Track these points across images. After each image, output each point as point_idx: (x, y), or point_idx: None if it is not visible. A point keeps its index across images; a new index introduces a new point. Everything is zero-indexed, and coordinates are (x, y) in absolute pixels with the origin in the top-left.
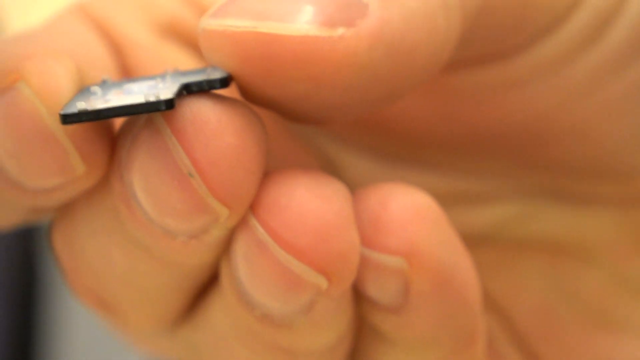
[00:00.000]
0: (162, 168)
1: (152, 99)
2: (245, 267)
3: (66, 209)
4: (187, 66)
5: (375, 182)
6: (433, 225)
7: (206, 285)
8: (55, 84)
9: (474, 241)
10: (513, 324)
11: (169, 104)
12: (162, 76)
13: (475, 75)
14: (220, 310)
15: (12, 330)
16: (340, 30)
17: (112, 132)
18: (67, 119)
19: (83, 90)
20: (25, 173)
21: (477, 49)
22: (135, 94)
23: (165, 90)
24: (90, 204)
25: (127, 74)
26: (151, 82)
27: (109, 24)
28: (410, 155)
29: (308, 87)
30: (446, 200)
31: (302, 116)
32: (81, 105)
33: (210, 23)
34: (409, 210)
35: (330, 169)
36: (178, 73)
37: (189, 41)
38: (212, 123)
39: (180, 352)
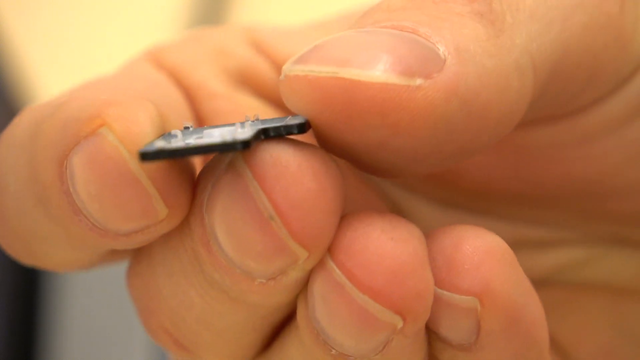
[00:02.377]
0: (244, 211)
1: (229, 139)
2: (323, 308)
3: (143, 252)
4: (260, 115)
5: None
6: (505, 266)
7: (282, 324)
8: (137, 129)
9: (537, 284)
10: None
11: (246, 145)
12: (242, 123)
13: (544, 133)
14: (295, 349)
15: (13, 329)
16: (418, 81)
17: (192, 177)
18: (146, 156)
19: (164, 135)
20: (108, 217)
21: (546, 109)
22: (215, 137)
23: (243, 133)
24: (168, 247)
25: (201, 122)
26: (231, 128)
27: (182, 72)
28: (476, 205)
29: (385, 134)
30: (510, 246)
31: (375, 166)
32: (160, 144)
33: (293, 69)
34: (481, 251)
35: (397, 213)
36: (258, 121)
37: (261, 91)
38: (293, 167)
39: None
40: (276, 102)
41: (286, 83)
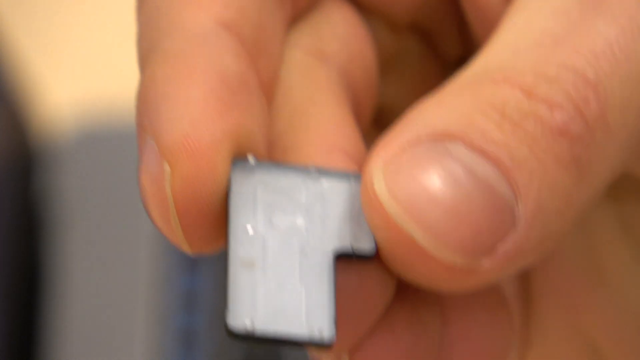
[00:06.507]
0: None
1: (315, 336)
2: None
3: None
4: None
5: None
6: None
7: None
8: (192, 192)
9: None
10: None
11: (330, 345)
12: (307, 172)
13: None
14: None
15: (13, 329)
16: (479, 261)
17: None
18: (234, 334)
19: (236, 167)
20: (150, 214)
21: None
22: (296, 320)
23: (324, 323)
24: None
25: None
26: (297, 180)
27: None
28: None
29: (431, 287)
30: None
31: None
32: (247, 323)
33: (382, 187)
34: None
35: None
36: (322, 172)
37: None
38: None
39: None
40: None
41: (368, 195)
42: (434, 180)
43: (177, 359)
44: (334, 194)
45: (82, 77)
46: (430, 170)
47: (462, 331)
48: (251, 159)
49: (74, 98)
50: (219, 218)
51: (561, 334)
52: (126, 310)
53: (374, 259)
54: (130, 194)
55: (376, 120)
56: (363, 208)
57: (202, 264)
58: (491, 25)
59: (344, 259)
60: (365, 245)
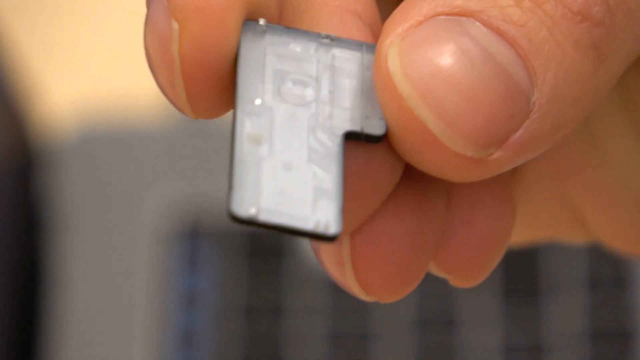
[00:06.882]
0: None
1: (320, 229)
2: None
3: None
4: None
5: None
6: None
7: None
8: (205, 49)
9: None
10: None
11: (334, 238)
12: (318, 39)
13: None
14: None
15: (13, 328)
16: (490, 151)
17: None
18: (237, 219)
19: (247, 27)
20: (152, 71)
21: None
22: (302, 214)
23: (329, 212)
24: None
25: None
26: (309, 47)
27: None
28: None
29: (438, 175)
30: None
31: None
32: (252, 211)
33: (396, 66)
34: None
35: None
36: (334, 40)
37: None
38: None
39: None
40: None
41: (381, 74)
42: (449, 61)
43: (177, 359)
44: (345, 65)
45: (82, 77)
46: (446, 50)
47: (467, 217)
48: (262, 22)
49: (74, 98)
50: (225, 83)
51: (545, 197)
52: (126, 310)
53: (383, 140)
54: (131, 194)
55: None
56: (375, 87)
57: (202, 264)
58: None
59: (352, 139)
60: (375, 126)
